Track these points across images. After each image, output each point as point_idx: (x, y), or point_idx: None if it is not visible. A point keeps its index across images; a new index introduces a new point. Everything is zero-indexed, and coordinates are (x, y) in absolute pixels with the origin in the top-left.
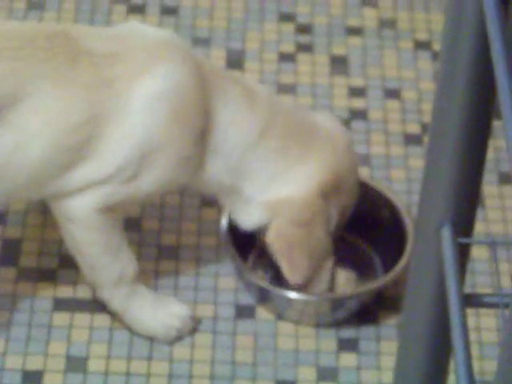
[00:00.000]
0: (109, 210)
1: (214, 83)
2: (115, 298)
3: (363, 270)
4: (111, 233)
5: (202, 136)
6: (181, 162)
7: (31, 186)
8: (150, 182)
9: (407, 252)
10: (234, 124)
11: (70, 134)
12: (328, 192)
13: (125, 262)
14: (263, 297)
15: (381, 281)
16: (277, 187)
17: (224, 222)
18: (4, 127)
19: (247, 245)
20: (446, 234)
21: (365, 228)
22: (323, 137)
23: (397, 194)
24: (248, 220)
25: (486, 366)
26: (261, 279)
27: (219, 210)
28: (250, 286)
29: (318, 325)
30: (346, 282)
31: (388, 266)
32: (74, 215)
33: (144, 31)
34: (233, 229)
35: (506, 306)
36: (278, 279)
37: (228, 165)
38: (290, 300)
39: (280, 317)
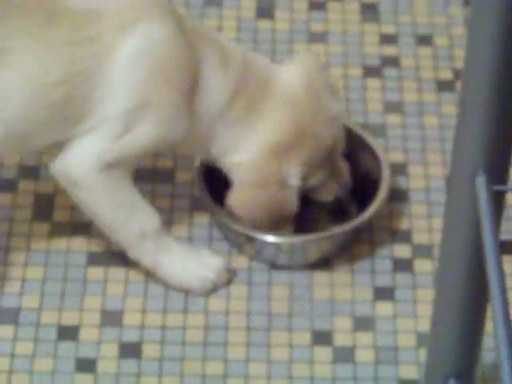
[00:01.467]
0: (108, 167)
1: (196, 42)
2: (143, 254)
3: (339, 216)
4: (118, 191)
5: (189, 94)
6: (170, 117)
7: (13, 142)
8: (141, 137)
9: (380, 196)
10: (210, 85)
11: (48, 91)
12: (281, 151)
13: (142, 218)
14: (237, 239)
15: (353, 222)
16: (232, 152)
17: (198, 171)
18: None
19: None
20: (481, 181)
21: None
22: (279, 95)
23: (375, 138)
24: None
25: None
26: (236, 224)
27: None
28: (227, 230)
29: (292, 266)
30: None
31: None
32: (75, 178)
33: None
34: (210, 176)
35: None
36: None
37: (203, 127)
38: (264, 242)
39: (255, 258)
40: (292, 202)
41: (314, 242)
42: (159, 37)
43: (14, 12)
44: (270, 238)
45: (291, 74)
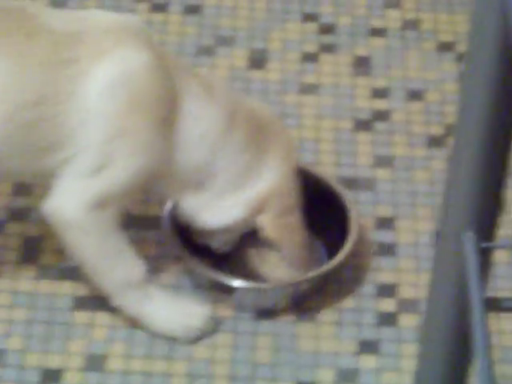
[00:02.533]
0: (96, 207)
1: (177, 75)
2: (127, 303)
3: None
4: (105, 235)
5: (166, 124)
6: (147, 146)
7: None
8: (123, 170)
9: (351, 238)
10: (199, 117)
11: (23, 111)
12: (294, 175)
13: (128, 265)
14: (206, 284)
15: (329, 265)
16: (251, 182)
17: (166, 216)
18: None
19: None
20: (469, 238)
21: (309, 214)
22: (273, 127)
23: (340, 183)
24: (219, 217)
25: (508, 370)
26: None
27: None
28: (196, 275)
29: (259, 313)
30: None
31: (331, 250)
32: (63, 220)
33: (104, 15)
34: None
35: None
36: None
37: (197, 159)
38: (231, 288)
39: (219, 301)
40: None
41: (278, 288)
42: (136, 65)
43: None
44: (236, 283)
45: (265, 111)
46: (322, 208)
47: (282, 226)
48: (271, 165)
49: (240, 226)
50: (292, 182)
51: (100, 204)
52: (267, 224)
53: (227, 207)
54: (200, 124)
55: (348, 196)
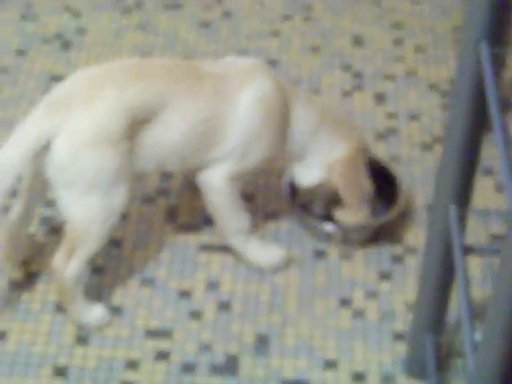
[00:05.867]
0: (233, 180)
1: (289, 93)
2: (238, 241)
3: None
4: (235, 197)
5: (284, 128)
6: (271, 146)
7: (177, 160)
8: (253, 159)
9: (399, 202)
10: (303, 119)
11: (198, 125)
12: (359, 150)
13: (243, 219)
14: (316, 232)
15: (384, 217)
16: (330, 154)
17: (287, 186)
18: (158, 121)
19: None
20: (452, 209)
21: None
22: (347, 123)
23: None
24: (309, 178)
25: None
26: (315, 220)
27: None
28: (309, 227)
29: (348, 243)
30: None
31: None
32: (211, 185)
33: (241, 60)
34: (294, 191)
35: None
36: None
37: (300, 144)
38: (338, 227)
39: (327, 239)
40: (371, 188)
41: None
42: (267, 90)
43: (180, 77)
44: (327, 227)
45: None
46: (381, 180)
47: (345, 175)
48: (344, 145)
49: (324, 186)
50: (358, 156)
51: (235, 178)
52: (335, 172)
53: (315, 170)
54: (302, 123)
55: (399, 174)
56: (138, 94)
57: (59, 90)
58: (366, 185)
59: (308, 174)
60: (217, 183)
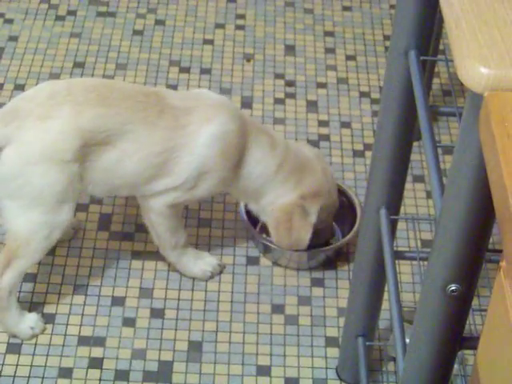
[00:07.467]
0: (175, 205)
1: (250, 131)
2: (172, 255)
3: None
4: (174, 218)
5: (237, 165)
6: (221, 180)
7: (127, 188)
8: (202, 190)
9: (356, 226)
10: (259, 164)
11: (153, 157)
12: (306, 197)
13: (180, 235)
14: (265, 249)
15: (339, 243)
16: (276, 200)
17: (242, 207)
18: (112, 149)
19: (254, 221)
20: (383, 212)
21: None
22: (307, 165)
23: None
24: (258, 213)
25: (404, 296)
26: (264, 239)
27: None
28: (258, 243)
29: (299, 269)
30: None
31: (344, 234)
32: (153, 207)
33: (208, 95)
34: (247, 211)
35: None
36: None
37: (253, 186)
38: (282, 251)
39: (274, 262)
40: (309, 226)
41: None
42: (229, 128)
43: (139, 106)
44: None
45: (311, 153)
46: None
47: (276, 222)
48: (291, 193)
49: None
50: (304, 202)
51: (179, 204)
52: (270, 218)
53: (262, 209)
54: (258, 168)
55: (355, 197)
56: (94, 119)
57: (20, 98)
58: (303, 232)
59: (257, 212)
60: (158, 207)
